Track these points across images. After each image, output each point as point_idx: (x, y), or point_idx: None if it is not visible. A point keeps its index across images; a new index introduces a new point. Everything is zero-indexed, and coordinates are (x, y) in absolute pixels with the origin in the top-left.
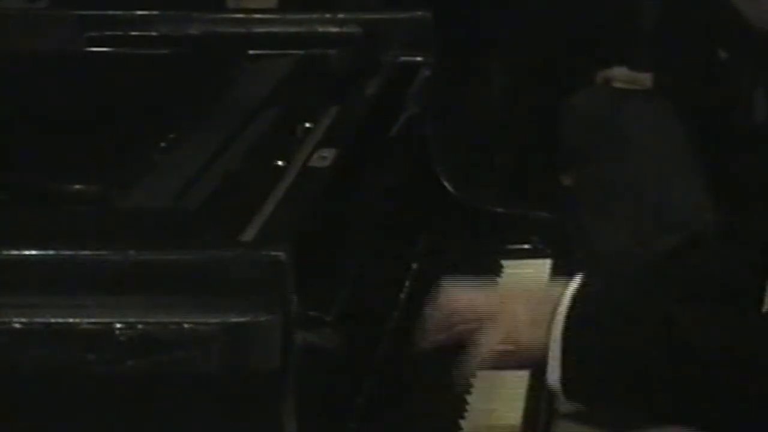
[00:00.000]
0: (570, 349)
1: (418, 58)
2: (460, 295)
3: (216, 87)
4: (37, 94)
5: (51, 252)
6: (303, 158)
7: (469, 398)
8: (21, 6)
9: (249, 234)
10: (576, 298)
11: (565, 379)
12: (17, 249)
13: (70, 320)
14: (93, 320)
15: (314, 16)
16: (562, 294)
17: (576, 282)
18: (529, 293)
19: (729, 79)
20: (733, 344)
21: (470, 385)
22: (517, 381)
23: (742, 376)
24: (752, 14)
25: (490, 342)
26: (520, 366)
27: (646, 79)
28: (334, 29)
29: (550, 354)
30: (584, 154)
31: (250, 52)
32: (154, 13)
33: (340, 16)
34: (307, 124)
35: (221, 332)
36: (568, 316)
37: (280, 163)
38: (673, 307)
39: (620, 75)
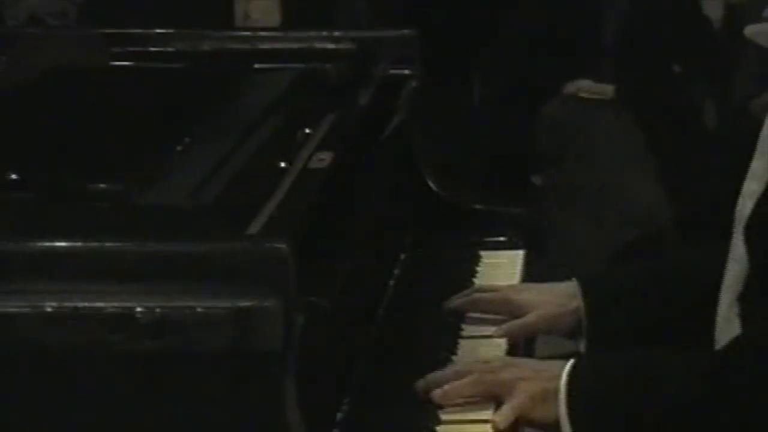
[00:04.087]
0: (579, 425)
1: (406, 71)
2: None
3: (225, 97)
4: (66, 104)
5: (78, 244)
6: (303, 160)
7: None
8: (53, 25)
9: (254, 228)
10: (571, 375)
11: None
12: (49, 241)
13: (96, 305)
14: (116, 305)
15: (313, 33)
16: (561, 372)
17: (571, 361)
18: (541, 371)
19: (682, 90)
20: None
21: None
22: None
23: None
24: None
25: (506, 416)
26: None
27: (608, 90)
28: (330, 45)
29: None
30: (554, 157)
31: (256, 65)
32: (171, 31)
33: (336, 33)
34: (307, 130)
35: (230, 316)
36: (569, 394)
37: (282, 164)
38: (654, 370)
39: (586, 86)
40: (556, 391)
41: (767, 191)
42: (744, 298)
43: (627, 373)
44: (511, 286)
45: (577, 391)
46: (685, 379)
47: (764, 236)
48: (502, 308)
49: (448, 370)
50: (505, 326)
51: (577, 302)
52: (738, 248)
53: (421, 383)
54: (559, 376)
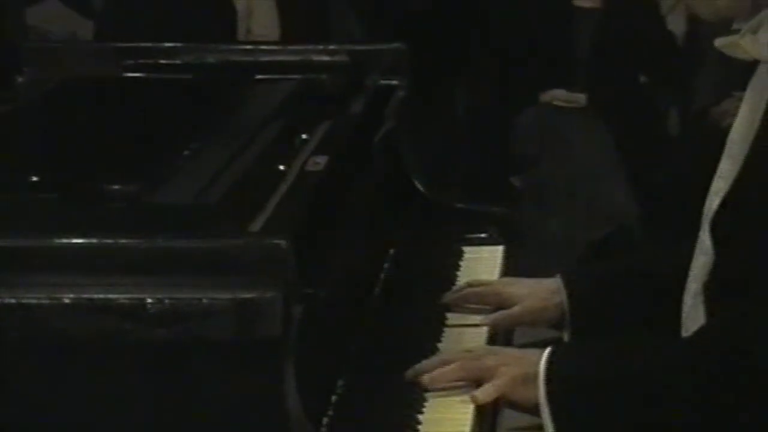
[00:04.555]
0: (556, 408)
1: (395, 82)
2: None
3: (229, 105)
4: (82, 112)
5: (94, 240)
6: (300, 163)
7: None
8: (71, 39)
9: (256, 225)
10: (550, 361)
11: (557, 426)
12: (67, 238)
13: (110, 296)
14: (128, 296)
15: (310, 47)
16: (540, 357)
17: (550, 348)
18: (521, 357)
19: (648, 98)
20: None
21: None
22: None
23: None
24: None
25: (488, 393)
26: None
27: (581, 98)
28: (326, 58)
29: (542, 414)
30: (531, 160)
31: (257, 76)
32: (178, 44)
33: (331, 47)
34: (304, 136)
35: (233, 306)
36: (548, 379)
37: (281, 167)
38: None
39: (560, 95)
40: (536, 376)
41: (732, 189)
42: (709, 287)
43: (602, 359)
44: (501, 281)
45: (555, 375)
46: (656, 365)
47: (729, 230)
48: (491, 300)
49: (435, 359)
50: (492, 316)
51: (561, 297)
52: (705, 241)
53: (410, 372)
54: (538, 362)
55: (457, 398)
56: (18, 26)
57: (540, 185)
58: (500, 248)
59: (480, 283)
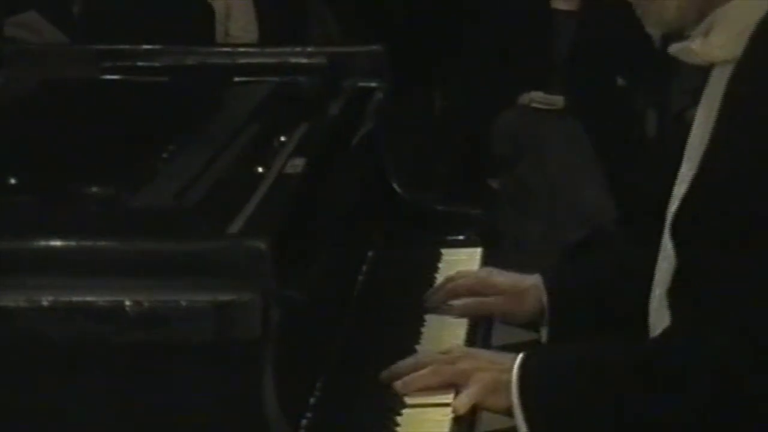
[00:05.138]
0: (530, 412)
1: (373, 84)
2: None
3: (207, 108)
4: (61, 114)
5: (73, 242)
6: (279, 166)
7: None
8: (50, 43)
9: (235, 227)
10: (522, 367)
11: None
12: (46, 240)
13: (88, 299)
14: (107, 298)
15: (288, 49)
16: (513, 363)
17: (521, 356)
18: (495, 361)
19: (626, 101)
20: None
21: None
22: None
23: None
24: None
25: (464, 403)
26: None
27: (559, 101)
28: (304, 60)
29: (516, 421)
30: (509, 161)
31: (236, 79)
32: (157, 47)
33: (309, 49)
34: (282, 138)
35: (212, 308)
36: (521, 385)
37: (260, 169)
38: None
39: (538, 98)
40: (509, 383)
41: (691, 193)
42: (672, 293)
43: (572, 363)
44: (485, 270)
45: (527, 382)
46: (623, 368)
47: (688, 235)
48: (476, 289)
49: (409, 361)
50: (470, 302)
51: (541, 294)
52: (667, 246)
53: (385, 373)
54: (511, 368)
55: (435, 399)
56: None
57: (518, 187)
58: (478, 250)
59: (460, 276)
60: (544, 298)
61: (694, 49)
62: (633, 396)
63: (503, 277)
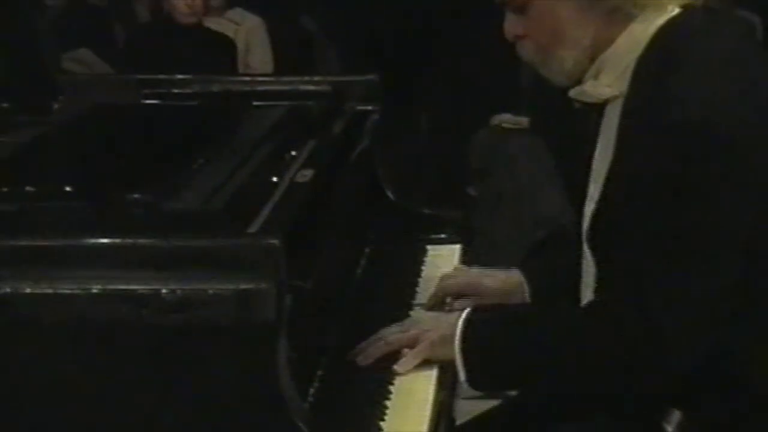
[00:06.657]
0: (468, 356)
1: (370, 107)
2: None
3: (231, 127)
4: (108, 133)
5: (118, 240)
6: (291, 176)
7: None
8: (98, 73)
9: (254, 227)
10: (467, 321)
11: (468, 376)
12: (95, 238)
13: (131, 287)
14: (146, 287)
15: (298, 78)
16: (458, 319)
17: (467, 312)
18: (439, 320)
19: (582, 121)
20: (560, 339)
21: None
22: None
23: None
24: None
25: (408, 362)
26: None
27: (524, 122)
28: (312, 87)
29: (457, 361)
30: (484, 172)
31: (254, 103)
32: (188, 76)
33: (316, 78)
34: (293, 152)
35: (234, 296)
36: (464, 335)
37: (274, 179)
38: (531, 315)
39: (507, 119)
40: (452, 336)
41: (598, 210)
42: (597, 293)
43: (509, 322)
44: (476, 273)
45: (468, 333)
46: (552, 327)
47: (601, 246)
48: (467, 291)
49: (372, 338)
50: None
51: (523, 290)
52: (587, 255)
53: (355, 351)
54: (455, 324)
55: (422, 371)
56: (54, 64)
57: (491, 194)
58: (458, 247)
59: (453, 275)
60: (527, 294)
61: (587, 90)
62: (559, 352)
63: (490, 280)
